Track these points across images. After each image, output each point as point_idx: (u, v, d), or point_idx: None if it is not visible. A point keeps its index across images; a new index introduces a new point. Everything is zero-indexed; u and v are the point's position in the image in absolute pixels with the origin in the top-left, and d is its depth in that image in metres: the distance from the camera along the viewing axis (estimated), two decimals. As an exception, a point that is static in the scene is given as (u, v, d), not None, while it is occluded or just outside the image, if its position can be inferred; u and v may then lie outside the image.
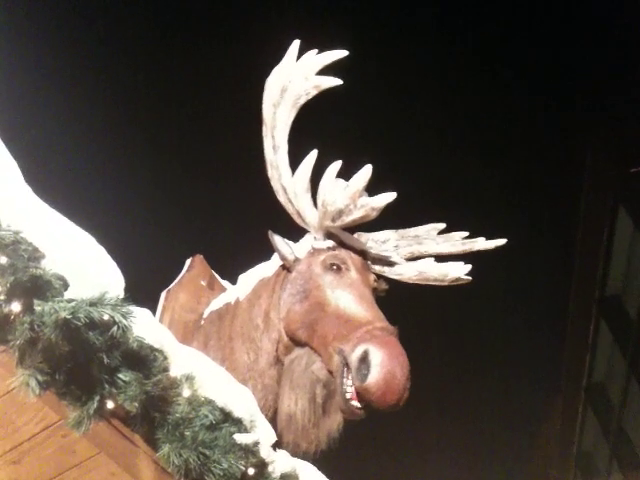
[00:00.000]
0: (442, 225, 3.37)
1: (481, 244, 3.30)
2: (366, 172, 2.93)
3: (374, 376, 2.47)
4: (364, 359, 2.52)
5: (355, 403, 2.58)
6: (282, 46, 3.07)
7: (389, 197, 2.99)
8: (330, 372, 2.71)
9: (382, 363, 2.48)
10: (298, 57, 3.05)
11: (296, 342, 2.90)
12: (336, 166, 2.98)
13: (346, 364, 2.60)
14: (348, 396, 2.58)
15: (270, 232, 3.12)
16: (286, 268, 3.09)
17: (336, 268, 2.96)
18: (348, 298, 2.83)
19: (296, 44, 3.06)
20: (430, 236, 3.33)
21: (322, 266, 2.98)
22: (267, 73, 3.09)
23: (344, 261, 3.01)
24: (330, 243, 3.09)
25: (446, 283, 3.26)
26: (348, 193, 2.93)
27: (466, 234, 3.33)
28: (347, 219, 2.99)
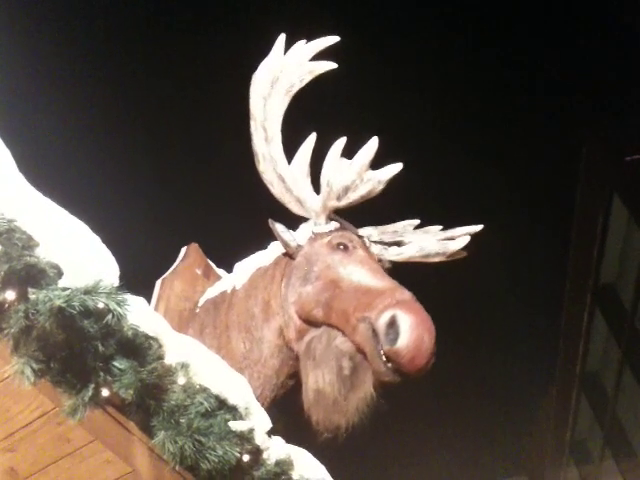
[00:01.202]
0: (416, 221, 3.41)
1: (459, 231, 3.33)
2: (372, 145, 2.94)
3: (404, 340, 2.46)
4: (392, 324, 2.50)
5: (391, 365, 2.56)
6: (270, 40, 3.07)
7: (395, 169, 3.00)
8: (355, 343, 2.67)
9: (411, 327, 2.47)
10: (285, 51, 3.05)
11: (312, 323, 2.85)
12: (341, 143, 2.98)
13: (373, 330, 2.58)
14: (384, 359, 2.56)
15: (271, 220, 3.09)
16: (288, 255, 3.09)
17: (343, 247, 2.95)
18: (362, 272, 2.82)
19: (282, 38, 3.06)
20: (407, 231, 3.37)
21: (328, 247, 2.97)
22: (254, 67, 3.09)
23: (350, 239, 3.01)
24: (332, 226, 3.08)
25: (446, 258, 3.30)
26: (355, 167, 2.93)
27: (440, 227, 3.38)
28: (353, 196, 2.99)
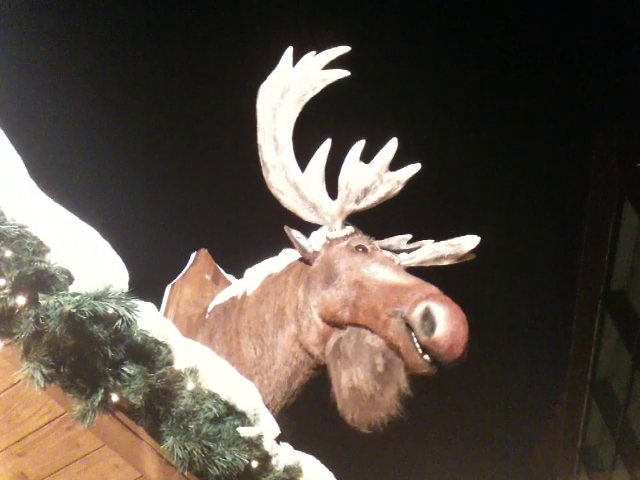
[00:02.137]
0: (409, 236, 3.47)
1: (455, 241, 3.38)
2: (392, 146, 2.95)
3: (441, 329, 2.47)
4: (426, 315, 2.51)
5: (428, 357, 2.57)
6: (276, 52, 3.09)
7: (414, 169, 3.02)
8: (387, 339, 2.67)
9: (446, 317, 2.49)
10: (293, 63, 3.07)
11: (337, 325, 2.85)
12: (360, 146, 2.99)
13: (406, 324, 2.59)
14: (421, 350, 2.56)
15: (286, 227, 3.08)
16: (304, 261, 3.09)
17: (362, 249, 2.97)
18: (385, 271, 2.83)
19: (290, 50, 3.09)
20: (402, 245, 3.40)
21: (348, 250, 2.98)
22: (261, 77, 3.11)
23: (369, 242, 3.04)
24: (347, 231, 3.09)
25: (457, 260, 3.36)
26: (374, 169, 2.96)
27: (432, 241, 3.41)
28: (372, 197, 3.02)
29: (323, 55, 3.09)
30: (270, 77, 3.09)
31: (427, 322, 2.51)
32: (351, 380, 2.69)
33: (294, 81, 3.05)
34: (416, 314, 2.54)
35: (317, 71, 3.07)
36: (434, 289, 2.68)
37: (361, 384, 2.67)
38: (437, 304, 2.53)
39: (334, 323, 2.86)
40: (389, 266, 2.89)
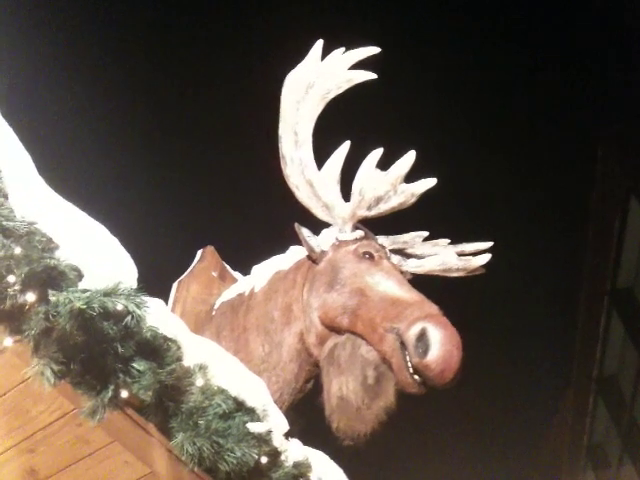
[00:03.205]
0: (425, 233, 3.45)
1: (469, 247, 3.38)
2: (410, 158, 2.95)
3: (434, 353, 2.48)
4: (421, 337, 2.51)
5: (418, 377, 2.58)
6: (303, 45, 3.07)
7: (429, 183, 3.03)
8: (380, 353, 2.68)
9: (441, 341, 2.49)
10: (321, 57, 3.06)
11: (334, 330, 2.86)
12: (377, 154, 2.99)
13: (401, 342, 2.59)
14: (411, 370, 2.57)
15: (297, 225, 3.09)
16: (311, 260, 3.09)
17: (369, 256, 2.96)
18: (389, 282, 2.83)
19: (319, 44, 3.07)
20: (417, 242, 3.39)
21: (355, 255, 2.98)
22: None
23: (377, 249, 3.03)
24: (357, 234, 3.09)
25: (466, 273, 3.35)
26: (389, 179, 2.96)
27: (448, 240, 3.40)
28: (384, 207, 3.01)
29: (352, 54, 3.07)
30: (297, 69, 3.08)
31: (421, 344, 2.51)
32: (340, 389, 2.71)
33: (320, 77, 3.04)
34: (411, 334, 2.54)
35: (344, 70, 3.06)
36: (434, 309, 2.67)
37: (350, 395, 2.68)
38: (433, 326, 2.53)
39: (332, 328, 2.87)
40: (393, 277, 2.88)
